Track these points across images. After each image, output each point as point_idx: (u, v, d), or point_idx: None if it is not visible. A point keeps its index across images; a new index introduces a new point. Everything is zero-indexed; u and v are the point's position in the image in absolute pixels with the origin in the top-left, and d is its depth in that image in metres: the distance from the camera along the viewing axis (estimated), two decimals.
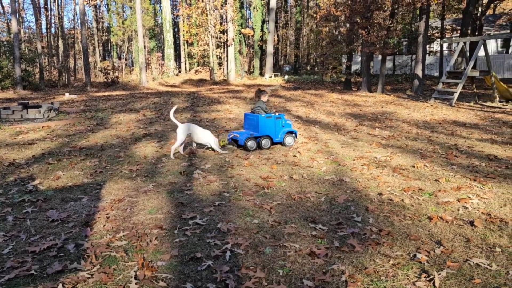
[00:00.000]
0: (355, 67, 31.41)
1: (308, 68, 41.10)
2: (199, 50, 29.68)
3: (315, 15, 22.91)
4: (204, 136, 6.73)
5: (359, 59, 25.73)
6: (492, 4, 32.59)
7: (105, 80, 26.46)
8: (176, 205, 4.28)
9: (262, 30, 35.37)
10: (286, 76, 29.62)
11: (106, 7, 41.21)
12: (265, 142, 7.18)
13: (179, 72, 36.22)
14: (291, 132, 7.40)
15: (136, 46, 31.28)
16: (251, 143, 6.98)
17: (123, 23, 34.61)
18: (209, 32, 27.79)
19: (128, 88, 23.95)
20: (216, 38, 28.37)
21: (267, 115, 7.08)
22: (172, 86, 25.64)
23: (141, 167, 5.87)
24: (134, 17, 31.18)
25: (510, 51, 33.11)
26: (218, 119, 10.41)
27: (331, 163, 6.03)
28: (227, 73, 27.54)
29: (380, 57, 20.48)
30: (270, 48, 30.15)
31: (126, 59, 38.54)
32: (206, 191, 4.72)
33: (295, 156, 6.48)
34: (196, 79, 29.98)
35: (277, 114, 7.30)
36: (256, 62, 33.90)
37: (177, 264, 3.01)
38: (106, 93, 19.77)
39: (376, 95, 17.44)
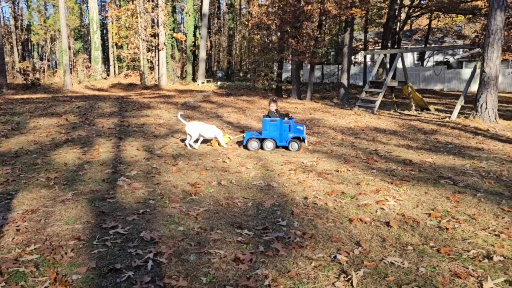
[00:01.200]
0: (285, 75, 32.27)
1: (241, 74, 41.49)
2: (129, 53, 28.70)
3: (247, 23, 23.22)
4: (211, 131, 7.57)
5: (290, 67, 26.49)
6: (409, 20, 35.26)
7: (24, 82, 24.59)
8: (97, 214, 4.05)
9: (194, 35, 35.11)
10: (219, 82, 29.62)
11: (26, 3, 38.43)
12: (268, 144, 7.48)
13: (108, 75, 34.70)
14: (299, 138, 7.51)
15: (60, 46, 29.49)
16: (252, 144, 7.44)
17: (45, 21, 32.46)
18: (140, 35, 27.01)
19: (51, 91, 22.46)
20: (147, 41, 27.65)
21: (271, 118, 7.50)
22: (99, 90, 24.50)
23: (60, 175, 5.50)
24: (58, 16, 29.40)
25: (424, 64, 36.04)
26: (147, 125, 10.10)
27: (259, 169, 6.09)
28: (159, 77, 26.92)
29: (309, 66, 21.22)
30: (202, 54, 29.99)
31: (49, 60, 36.13)
32: (131, 198, 4.53)
33: (224, 162, 6.46)
34: (125, 83, 28.92)
35: (285, 119, 7.55)
36: (189, 68, 33.54)
37: (94, 276, 2.84)
38: (25, 96, 18.37)
39: (305, 102, 18.01)
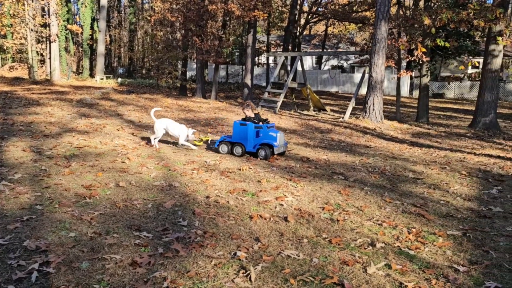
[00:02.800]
0: (190, 73, 31.95)
1: (144, 72, 40.04)
2: (14, 44, 25.90)
3: (149, 18, 22.48)
4: (177, 129, 7.48)
5: (195, 66, 26.28)
6: (308, 26, 37.28)
7: None
8: None
9: (92, 28, 32.97)
10: (120, 79, 28.23)
11: None
12: (236, 149, 7.06)
13: None
14: (268, 145, 6.90)
15: None
16: (222, 147, 7.13)
17: None
18: (27, 24, 24.53)
19: None
20: (36, 32, 25.23)
21: (241, 121, 7.12)
22: None
23: None
24: None
25: (322, 67, 38.43)
26: (36, 123, 9.23)
27: (161, 169, 5.94)
28: (51, 72, 24.74)
29: (214, 65, 21.27)
30: (101, 48, 28.30)
31: None
32: (13, 204, 4.09)
33: (123, 162, 6.17)
34: (10, 76, 26.07)
35: (261, 123, 7.06)
36: (86, 62, 31.40)
37: None
38: None
39: (210, 101, 18.03)
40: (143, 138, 8.27)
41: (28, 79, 24.72)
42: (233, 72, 34.76)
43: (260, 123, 7.11)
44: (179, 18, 18.66)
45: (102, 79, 27.12)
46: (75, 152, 6.67)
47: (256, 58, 37.48)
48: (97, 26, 31.55)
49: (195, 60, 23.99)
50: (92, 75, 31.02)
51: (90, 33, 32.08)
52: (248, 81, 18.84)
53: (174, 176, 5.57)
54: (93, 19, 33.35)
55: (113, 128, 9.31)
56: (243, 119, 7.25)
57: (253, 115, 7.29)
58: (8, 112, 10.64)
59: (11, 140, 7.27)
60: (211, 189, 5.06)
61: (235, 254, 3.28)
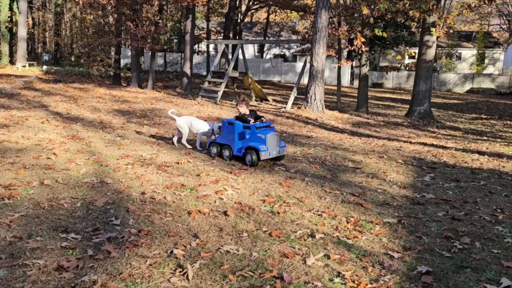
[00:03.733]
0: (125, 61, 30.84)
1: (73, 59, 37.98)
2: None
3: (77, 0, 21.32)
4: (201, 125, 7.28)
5: (129, 53, 25.35)
6: (250, 13, 37.34)
7: None
8: None
9: (11, 9, 30.63)
10: (45, 67, 26.57)
11: None
12: (225, 152, 6.45)
13: None
14: (255, 149, 6.00)
15: None
16: (212, 149, 6.64)
17: None
18: None
19: None
20: None
21: (229, 120, 6.50)
22: None
23: None
24: None
25: (264, 56, 38.75)
26: None
27: (92, 164, 5.70)
28: None
29: (150, 53, 20.64)
30: (22, 32, 26.44)
31: None
32: None
33: (49, 158, 5.84)
34: None
35: (252, 122, 6.23)
36: (4, 48, 29.18)
37: None
38: None
39: (146, 91, 17.55)
40: (71, 136, 7.88)
41: None
42: (171, 60, 34.03)
43: (252, 122, 6.23)
44: (111, 1, 17.88)
45: (25, 66, 25.39)
46: None
47: (196, 46, 37.01)
48: (17, 7, 29.37)
49: (129, 47, 23.17)
50: (12, 62, 28.90)
51: (9, 15, 29.81)
52: (187, 69, 18.55)
53: (106, 172, 5.37)
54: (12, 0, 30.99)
55: (37, 121, 8.78)
56: (236, 117, 6.43)
57: (247, 112, 6.49)
58: None
59: None
60: (147, 184, 4.94)
61: (171, 252, 3.23)
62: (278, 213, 4.25)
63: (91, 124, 9.05)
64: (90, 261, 3.01)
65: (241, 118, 6.40)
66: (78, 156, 6.13)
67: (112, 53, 22.31)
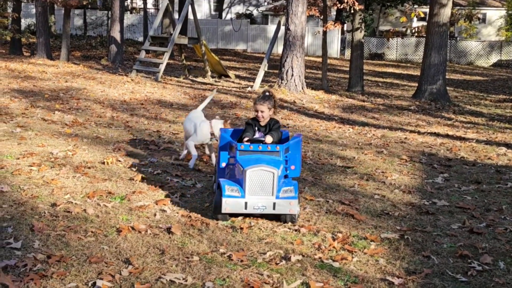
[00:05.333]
0: (28, 21, 30.10)
1: None
2: None
3: None
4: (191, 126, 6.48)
5: (34, 10, 24.70)
6: None
7: None
8: None
9: None
10: None
11: None
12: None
13: None
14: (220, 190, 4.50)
15: None
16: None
17: None
18: None
19: None
20: None
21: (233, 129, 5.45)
22: None
23: None
24: None
25: (223, 16, 38.72)
26: None
27: None
28: None
29: (63, 10, 20.23)
30: None
31: None
32: None
33: None
34: None
35: (246, 140, 4.87)
36: None
37: None
38: None
39: (59, 63, 17.24)
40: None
41: None
42: (94, 20, 33.46)
43: (246, 139, 4.89)
44: None
45: None
46: None
47: (128, 0, 36.53)
48: None
49: (34, 2, 22.60)
50: None
51: None
52: (116, 34, 18.32)
53: (1, 177, 5.29)
54: None
55: None
56: (247, 123, 5.19)
57: (263, 117, 5.04)
58: None
59: None
60: (60, 193, 4.90)
61: (94, 284, 3.23)
62: (241, 228, 4.31)
63: None
64: None
65: (248, 126, 5.12)
66: None
67: (9, 10, 21.69)
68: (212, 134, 6.09)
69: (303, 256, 3.83)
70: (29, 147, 6.54)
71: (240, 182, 4.51)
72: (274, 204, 4.40)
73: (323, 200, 5.21)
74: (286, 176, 4.82)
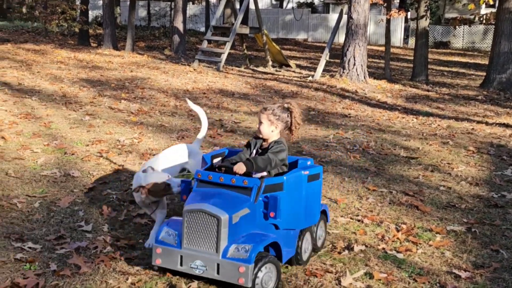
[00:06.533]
0: (95, 13, 31.01)
1: (24, 10, 38.32)
2: None
3: None
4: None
5: (101, 2, 25.41)
6: None
7: None
8: None
9: None
10: None
11: None
12: None
13: None
14: None
15: None
16: None
17: None
18: None
19: None
20: None
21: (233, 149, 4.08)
22: None
23: None
24: None
25: (284, 5, 38.56)
26: None
27: (53, 152, 5.84)
28: None
29: (129, 2, 20.67)
30: None
31: None
32: None
33: None
34: None
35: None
36: None
37: None
38: None
39: (124, 54, 17.67)
40: (24, 114, 8.04)
41: None
42: (157, 11, 34.10)
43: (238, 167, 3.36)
44: None
45: None
46: None
47: None
48: None
49: None
50: None
51: None
52: (179, 24, 18.58)
53: (72, 162, 5.49)
54: None
55: None
56: (248, 142, 3.84)
57: (263, 135, 3.67)
58: None
59: None
60: (127, 179, 5.04)
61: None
62: None
63: (51, 98, 9.19)
64: (53, 278, 3.11)
65: (246, 145, 3.82)
66: (35, 140, 6.26)
67: (78, 3, 22.41)
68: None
69: (366, 246, 3.81)
70: (97, 135, 6.77)
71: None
72: (218, 266, 3.02)
73: (387, 191, 5.14)
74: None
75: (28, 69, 12.41)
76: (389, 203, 4.79)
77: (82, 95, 9.79)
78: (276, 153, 3.47)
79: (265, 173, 3.48)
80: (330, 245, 3.80)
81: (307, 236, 3.53)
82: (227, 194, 3.24)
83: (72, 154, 5.77)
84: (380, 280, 3.30)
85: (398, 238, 3.97)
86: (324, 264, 3.51)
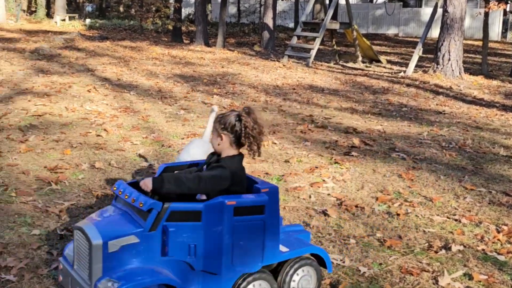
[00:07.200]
0: (187, 10, 31.88)
1: (121, 9, 40.11)
2: None
3: None
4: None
5: (193, 0, 26.13)
6: None
7: None
8: None
9: None
10: (88, 20, 28.40)
11: None
12: None
13: None
14: None
15: None
16: None
17: None
18: None
19: None
20: None
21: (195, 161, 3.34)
22: None
23: None
24: None
25: (374, 0, 37.77)
26: None
27: (151, 144, 6.10)
28: None
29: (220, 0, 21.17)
30: None
31: None
32: None
33: (99, 135, 6.34)
34: None
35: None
36: None
37: None
38: None
39: (215, 50, 18.06)
40: (123, 108, 8.43)
41: None
42: (247, 8, 34.53)
43: (144, 182, 2.76)
44: None
45: (64, 20, 27.32)
46: (33, 121, 6.86)
47: None
48: None
49: None
50: (49, 15, 31.28)
51: None
52: (269, 20, 18.73)
53: (169, 154, 5.70)
54: None
55: (82, 88, 9.48)
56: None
57: (215, 148, 3.02)
58: None
59: None
60: None
61: None
62: (398, 215, 4.25)
63: (147, 93, 9.58)
64: None
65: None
66: (134, 133, 6.56)
67: (171, 1, 23.13)
68: None
69: (464, 246, 3.69)
70: (191, 128, 6.98)
71: None
72: None
73: (485, 191, 4.94)
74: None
75: (125, 65, 12.99)
76: (489, 203, 4.61)
77: (176, 90, 10.13)
78: (216, 174, 2.77)
79: (204, 197, 2.87)
80: (427, 244, 3.72)
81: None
82: (126, 216, 2.72)
83: (169, 147, 6.00)
84: (480, 281, 3.20)
85: (499, 240, 3.82)
86: (420, 262, 3.44)
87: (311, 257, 3.01)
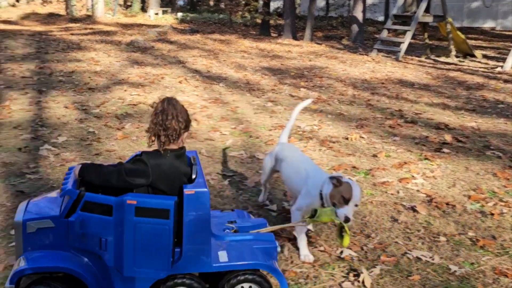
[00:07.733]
0: (275, 4, 32.02)
1: (211, 3, 40.97)
2: None
3: None
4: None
5: None
6: None
7: None
8: (14, 194, 4.12)
9: None
10: (180, 14, 29.24)
11: None
12: None
13: (17, 1, 33.81)
14: None
15: None
16: None
17: None
18: None
19: None
20: None
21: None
22: (6, 22, 23.98)
23: None
24: None
25: None
26: (79, 73, 10.04)
27: (239, 135, 6.22)
28: (92, 5, 26.39)
29: None
30: None
31: None
32: (60, 174, 4.60)
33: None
34: (44, 13, 28.29)
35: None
36: None
37: None
38: None
39: (303, 43, 18.05)
40: (213, 99, 8.63)
41: (65, 16, 26.65)
42: (335, 2, 34.16)
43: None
44: None
45: (157, 14, 28.29)
46: (128, 110, 7.20)
47: None
48: None
49: None
50: (144, 9, 32.49)
51: None
52: (358, 14, 18.45)
53: (257, 145, 5.80)
54: None
55: (174, 79, 9.82)
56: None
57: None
58: (44, 59, 11.66)
59: (50, 94, 8.03)
60: None
61: (341, 253, 3.40)
62: (492, 214, 4.09)
63: (236, 85, 9.75)
64: None
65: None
66: (223, 124, 6.72)
67: None
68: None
69: None
70: (279, 120, 7.04)
71: None
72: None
73: None
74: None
75: (215, 58, 13.28)
76: None
77: (264, 82, 10.23)
78: (131, 165, 2.70)
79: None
80: None
81: None
82: (60, 201, 2.72)
83: (257, 138, 6.09)
84: None
85: None
86: None
87: (260, 273, 2.73)
